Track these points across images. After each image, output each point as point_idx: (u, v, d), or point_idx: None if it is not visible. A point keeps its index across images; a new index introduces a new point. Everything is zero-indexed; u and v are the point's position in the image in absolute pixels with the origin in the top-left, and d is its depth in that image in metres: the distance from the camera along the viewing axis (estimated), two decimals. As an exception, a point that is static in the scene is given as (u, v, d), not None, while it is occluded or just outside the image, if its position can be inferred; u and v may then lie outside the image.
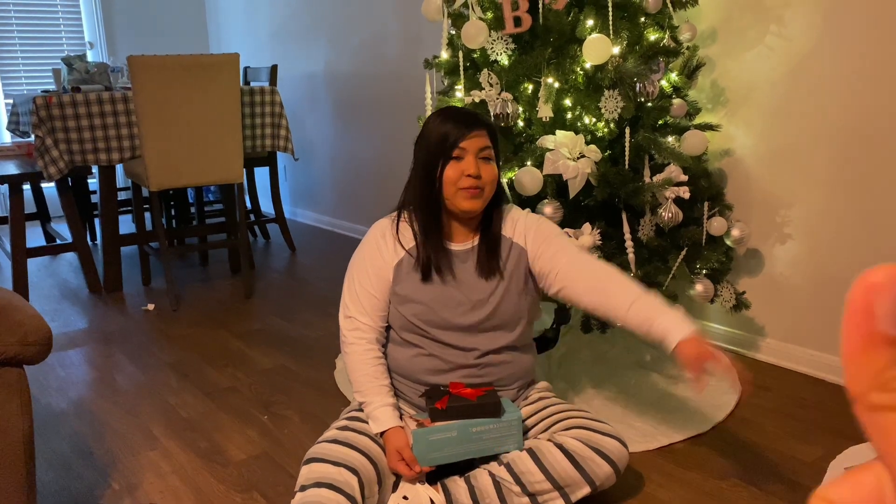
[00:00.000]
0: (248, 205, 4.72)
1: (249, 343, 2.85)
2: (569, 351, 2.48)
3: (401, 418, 1.63)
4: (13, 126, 4.05)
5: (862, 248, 2.21)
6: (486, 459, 1.61)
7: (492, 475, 1.55)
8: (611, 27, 2.07)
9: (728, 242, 2.29)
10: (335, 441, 1.55)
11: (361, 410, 1.65)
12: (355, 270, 1.72)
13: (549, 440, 1.56)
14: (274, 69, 4.21)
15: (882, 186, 2.12)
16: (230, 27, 5.69)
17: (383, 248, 1.68)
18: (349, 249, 4.58)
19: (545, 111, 2.08)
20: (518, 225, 1.70)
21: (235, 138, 3.29)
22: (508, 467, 1.54)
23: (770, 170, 2.39)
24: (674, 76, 2.27)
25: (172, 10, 5.83)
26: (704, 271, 2.25)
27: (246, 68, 4.56)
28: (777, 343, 2.48)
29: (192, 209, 4.58)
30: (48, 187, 4.77)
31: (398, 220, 1.70)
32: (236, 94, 3.24)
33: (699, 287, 2.22)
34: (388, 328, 1.72)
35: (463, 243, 1.68)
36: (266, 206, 5.19)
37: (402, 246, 1.67)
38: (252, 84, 4.54)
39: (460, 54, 2.23)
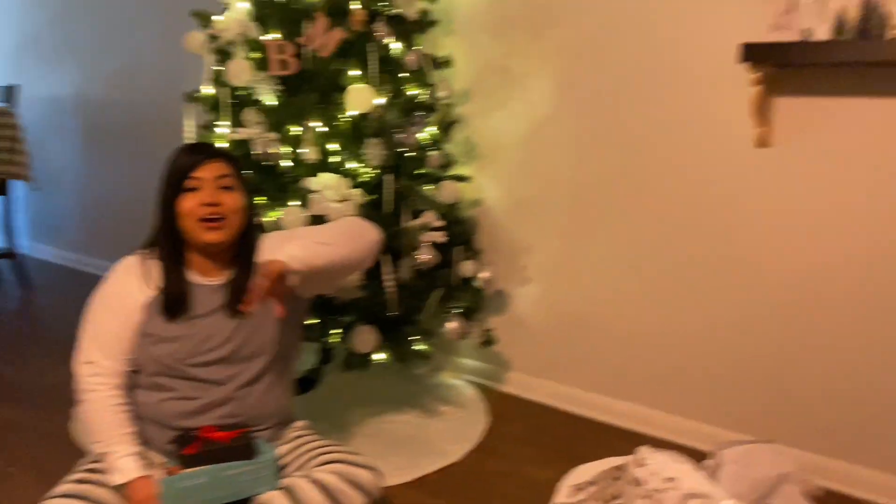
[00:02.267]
0: (-26, 237, 4.17)
1: (-32, 393, 2.51)
2: (331, 391, 2.51)
3: (148, 468, 1.53)
4: None
5: (591, 288, 2.51)
6: (240, 503, 1.57)
7: (244, 519, 1.52)
8: (374, 79, 2.18)
9: (478, 284, 2.48)
10: (67, 496, 1.42)
11: (99, 461, 1.53)
12: (98, 311, 1.61)
13: (304, 477, 1.56)
14: (10, 89, 3.81)
15: (606, 235, 2.44)
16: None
17: (130, 287, 1.60)
18: (90, 287, 4.13)
19: (311, 153, 2.13)
20: (270, 250, 1.71)
21: (-40, 162, 2.92)
22: (262, 509, 1.52)
23: (514, 219, 2.65)
24: (432, 130, 2.44)
25: None
26: (458, 310, 2.42)
27: (-23, 85, 4.08)
28: (522, 376, 2.72)
29: None
30: None
31: (146, 258, 1.63)
32: (-36, 112, 2.89)
33: (452, 325, 2.37)
34: (132, 372, 1.62)
35: (214, 278, 1.64)
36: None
37: (149, 284, 1.60)
38: (-15, 103, 4.06)
39: (225, 91, 2.21)
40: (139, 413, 1.61)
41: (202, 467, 1.50)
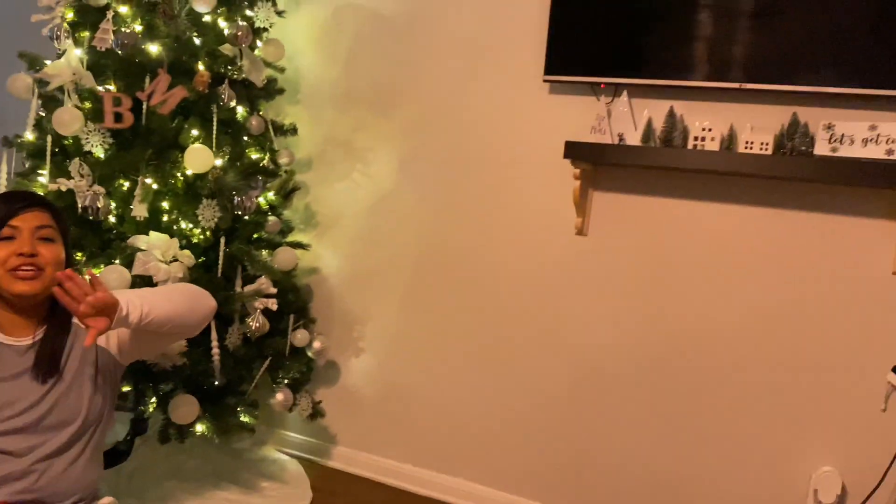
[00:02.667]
0: None
1: None
2: (143, 464, 2.33)
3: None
4: None
5: (419, 361, 2.55)
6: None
7: None
8: (214, 140, 2.15)
9: (309, 354, 2.45)
10: None
11: None
12: None
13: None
14: None
15: (437, 309, 2.52)
16: None
17: None
18: None
19: (140, 210, 2.04)
20: None
21: None
22: None
23: (351, 289, 2.66)
24: (271, 195, 2.42)
25: None
26: (286, 381, 2.36)
27: None
28: (347, 450, 2.68)
29: None
30: None
31: None
32: None
33: (280, 396, 2.31)
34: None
35: (22, 338, 1.51)
36: None
37: None
38: None
39: (48, 138, 2.08)
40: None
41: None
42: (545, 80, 2.19)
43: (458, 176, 2.45)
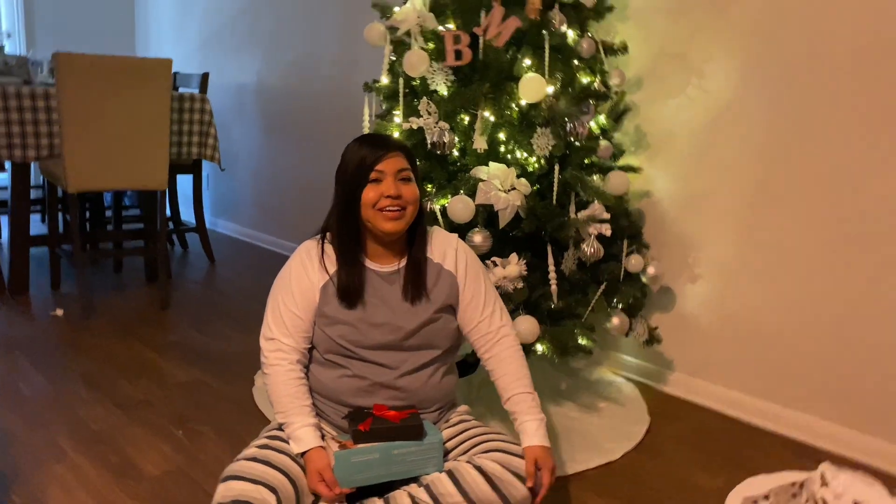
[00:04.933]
0: (168, 212, 4.60)
1: (164, 355, 2.78)
2: (488, 377, 2.53)
3: (322, 439, 1.63)
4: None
5: (763, 290, 2.36)
6: (407, 481, 1.63)
7: (411, 496, 1.57)
8: (546, 68, 2.16)
9: (644, 279, 2.41)
10: (254, 459, 1.54)
11: (282, 430, 1.65)
12: (280, 291, 1.72)
13: (468, 462, 1.59)
14: (205, 77, 4.15)
15: (785, 234, 2.28)
16: (160, 31, 5.56)
17: (310, 270, 1.69)
18: (269, 263, 4.56)
19: (480, 143, 2.15)
20: (451, 252, 1.75)
21: (162, 145, 3.22)
22: (428, 489, 1.57)
23: (685, 213, 2.53)
24: (602, 119, 2.38)
25: (99, 6, 5.65)
26: (621, 305, 2.36)
27: (175, 74, 4.47)
28: (685, 377, 2.61)
29: (108, 213, 4.43)
30: (-49, 180, 4.52)
31: (322, 243, 1.72)
32: (166, 99, 3.18)
33: (616, 320, 2.32)
34: (310, 349, 1.72)
35: (389, 265, 1.71)
36: (186, 215, 5.06)
37: (327, 269, 1.68)
38: (181, 90, 4.45)
39: (400, 81, 2.27)
40: (315, 388, 1.71)
41: (374, 444, 1.57)
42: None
43: (811, 79, 2.15)
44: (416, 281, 1.69)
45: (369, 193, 1.61)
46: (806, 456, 2.19)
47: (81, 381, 2.50)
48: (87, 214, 4.13)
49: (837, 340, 2.21)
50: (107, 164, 3.11)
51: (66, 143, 3.00)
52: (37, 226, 4.58)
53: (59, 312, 3.19)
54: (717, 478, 2.05)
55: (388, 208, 1.60)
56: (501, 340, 1.80)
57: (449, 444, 1.72)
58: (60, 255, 3.47)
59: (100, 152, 3.08)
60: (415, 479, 1.63)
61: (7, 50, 5.22)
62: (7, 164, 3.41)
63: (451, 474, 1.58)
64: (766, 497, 1.75)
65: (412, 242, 1.72)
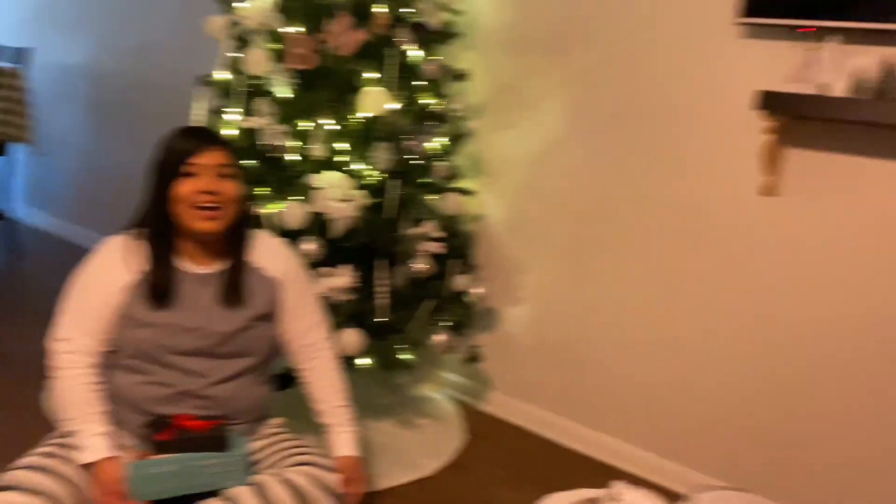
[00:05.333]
0: (-32, 195, 4.13)
1: (-56, 352, 2.48)
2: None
3: (117, 449, 1.50)
4: None
5: (581, 317, 2.50)
6: (206, 495, 1.54)
7: (210, 511, 1.49)
8: (390, 84, 2.17)
9: (470, 299, 2.47)
10: (32, 468, 1.40)
11: (70, 436, 1.51)
12: (79, 288, 1.59)
13: (275, 475, 1.54)
14: (25, 51, 3.79)
15: (603, 264, 2.43)
16: (-23, -6, 5.03)
17: (114, 267, 1.57)
18: (78, 258, 4.09)
19: (319, 150, 2.11)
20: (276, 258, 1.70)
21: (-37, 118, 2.90)
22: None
23: (515, 238, 2.64)
24: (442, 140, 2.43)
25: None
26: (447, 323, 2.40)
27: (-10, 44, 4.05)
28: (502, 396, 2.70)
29: None
30: None
31: (132, 239, 1.60)
32: (-27, 69, 2.87)
33: (440, 338, 2.35)
34: (108, 353, 1.59)
35: (205, 267, 1.62)
36: (-9, 200, 4.56)
37: (134, 266, 1.57)
38: (-5, 62, 4.03)
39: (239, 78, 2.19)
40: (114, 394, 1.58)
41: (173, 455, 1.48)
42: (737, 23, 2.00)
43: (631, 126, 2.32)
44: (234, 285, 1.61)
45: (183, 188, 1.51)
46: (604, 474, 2.33)
47: None
48: None
49: (643, 367, 2.37)
50: None
51: None
52: None
53: None
54: (522, 494, 2.12)
55: (202, 205, 1.52)
56: (321, 353, 1.77)
57: (258, 457, 1.66)
58: None
59: None
60: (215, 493, 1.54)
61: None
62: None
63: (255, 489, 1.52)
64: (564, 513, 1.83)
65: (233, 245, 1.64)
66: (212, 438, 1.52)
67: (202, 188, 1.51)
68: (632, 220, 2.36)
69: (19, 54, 3.78)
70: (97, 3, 4.18)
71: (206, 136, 1.57)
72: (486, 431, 2.53)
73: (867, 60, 1.83)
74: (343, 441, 1.69)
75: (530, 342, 2.63)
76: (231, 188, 1.55)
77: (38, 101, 4.45)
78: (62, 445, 1.49)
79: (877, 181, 1.92)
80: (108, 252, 1.60)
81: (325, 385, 1.75)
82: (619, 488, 1.63)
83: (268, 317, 1.67)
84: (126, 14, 4.01)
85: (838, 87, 1.84)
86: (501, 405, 2.69)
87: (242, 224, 1.64)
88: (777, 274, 2.09)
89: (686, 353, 2.28)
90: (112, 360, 1.59)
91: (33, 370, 2.45)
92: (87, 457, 1.45)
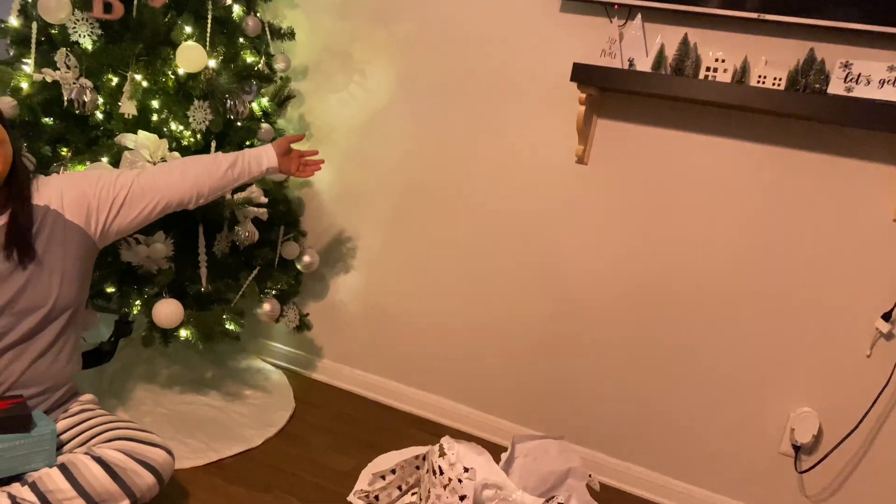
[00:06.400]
0: None
1: None
2: (125, 366, 2.33)
3: None
4: None
5: (407, 283, 2.54)
6: (8, 480, 1.41)
7: (11, 497, 1.37)
8: (208, 39, 2.06)
9: (298, 266, 2.43)
10: None
11: None
12: None
13: (86, 454, 1.44)
14: None
15: (426, 231, 2.49)
16: None
17: None
18: None
19: (128, 108, 1.96)
20: (46, 189, 1.57)
21: None
22: (34, 486, 1.38)
23: (342, 205, 2.62)
24: (265, 101, 2.35)
25: None
26: (273, 292, 2.35)
27: None
28: (331, 363, 2.69)
29: None
30: None
31: None
32: None
33: (267, 306, 2.30)
34: None
35: None
36: None
37: None
38: None
39: (34, 25, 1.98)
40: None
41: (-34, 439, 1.34)
42: (556, -2, 2.10)
43: (455, 96, 2.38)
44: (20, 236, 1.47)
45: None
46: (432, 432, 2.40)
47: None
48: None
49: (463, 327, 2.47)
50: None
51: None
52: None
53: None
54: (352, 458, 2.14)
55: None
56: (162, 165, 1.81)
57: (65, 437, 1.54)
58: None
59: None
60: (18, 478, 1.42)
61: None
62: None
63: (63, 468, 1.42)
64: (393, 471, 1.88)
65: (11, 193, 1.50)
66: (14, 418, 1.39)
67: None
68: (453, 189, 2.42)
69: None
70: None
71: None
72: (314, 399, 2.52)
73: (669, 39, 2.01)
74: (255, 155, 1.92)
75: (357, 309, 2.64)
76: None
77: None
78: None
79: (673, 150, 2.11)
80: None
81: (200, 173, 1.81)
82: (445, 443, 1.69)
83: (61, 261, 1.54)
84: None
85: (643, 63, 2.00)
86: (330, 371, 2.69)
87: (17, 172, 1.50)
88: (575, 232, 2.25)
89: (496, 310, 2.40)
90: None
91: None
92: None
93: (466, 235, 2.42)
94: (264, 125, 2.29)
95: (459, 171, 2.40)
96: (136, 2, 1.97)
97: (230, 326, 2.14)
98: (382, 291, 2.59)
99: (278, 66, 2.35)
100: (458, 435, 2.43)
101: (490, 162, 2.35)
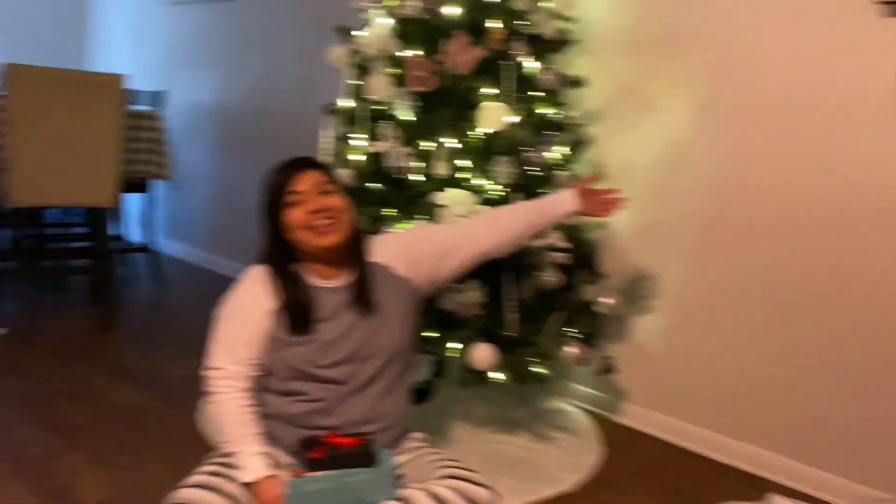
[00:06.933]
0: (116, 230, 4.47)
1: (106, 378, 2.68)
2: (444, 405, 2.51)
3: (274, 468, 1.57)
4: None
5: (718, 322, 2.40)
6: (359, 510, 1.58)
7: (362, 528, 1.53)
8: (508, 98, 2.17)
9: (600, 309, 2.42)
10: (201, 486, 1.48)
11: (229, 457, 1.59)
12: (226, 317, 1.67)
13: (421, 489, 1.56)
14: (160, 94, 4.07)
15: (737, 267, 2.33)
16: (115, 45, 5.46)
17: (259, 294, 1.65)
18: (219, 285, 4.38)
19: (441, 169, 2.14)
20: (382, 246, 1.74)
21: (112, 161, 3.14)
22: (380, 519, 1.53)
23: (641, 244, 2.57)
24: (561, 149, 2.41)
25: (48, 15, 5.52)
26: (577, 335, 2.36)
27: (129, 90, 4.38)
28: (638, 408, 2.62)
29: (52, 230, 4.28)
30: None
31: (266, 270, 1.69)
32: (116, 115, 3.12)
33: (572, 350, 2.32)
34: (260, 375, 1.67)
35: (335, 280, 1.68)
36: (135, 234, 4.92)
37: (275, 293, 1.65)
38: (136, 107, 4.36)
39: (361, 104, 2.26)
40: (267, 414, 1.65)
41: (327, 472, 1.53)
42: (876, 1, 1.87)
43: (761, 123, 2.22)
44: (363, 291, 1.66)
45: (293, 216, 1.59)
46: (755, 487, 2.21)
47: (21, 402, 2.38)
48: (35, 231, 3.99)
49: (784, 372, 2.25)
50: (53, 179, 3.01)
51: (12, 155, 2.90)
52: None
53: (2, 331, 3.05)
54: (669, 509, 2.05)
55: (317, 223, 1.58)
56: (482, 216, 1.92)
57: (403, 471, 1.69)
58: (3, 271, 3.33)
59: (46, 166, 2.98)
60: (366, 508, 1.58)
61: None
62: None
63: (404, 502, 1.54)
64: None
65: (354, 253, 1.69)
66: (362, 454, 1.56)
67: (310, 210, 1.58)
68: (766, 220, 2.25)
69: (155, 97, 4.06)
70: (220, 42, 4.44)
71: (296, 164, 1.64)
72: (624, 444, 2.47)
73: None
74: (553, 200, 1.92)
75: (663, 350, 2.55)
76: (336, 201, 1.61)
77: (173, 139, 4.78)
78: (224, 464, 1.57)
79: None
80: (249, 282, 1.68)
81: (505, 211, 1.90)
82: (776, 500, 1.55)
83: (397, 312, 1.71)
84: (247, 50, 4.24)
85: None
86: (637, 416, 2.62)
87: (357, 233, 1.70)
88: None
89: (829, 356, 2.14)
90: (263, 382, 1.67)
91: (185, 392, 2.61)
92: (248, 476, 1.52)
93: (786, 271, 2.22)
94: (561, 172, 2.35)
95: (777, 200, 2.22)
96: (445, 72, 2.16)
97: (539, 370, 2.20)
98: (689, 331, 2.48)
99: (572, 113, 2.41)
100: (786, 492, 2.21)
101: (813, 190, 2.14)
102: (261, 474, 1.52)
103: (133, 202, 4.96)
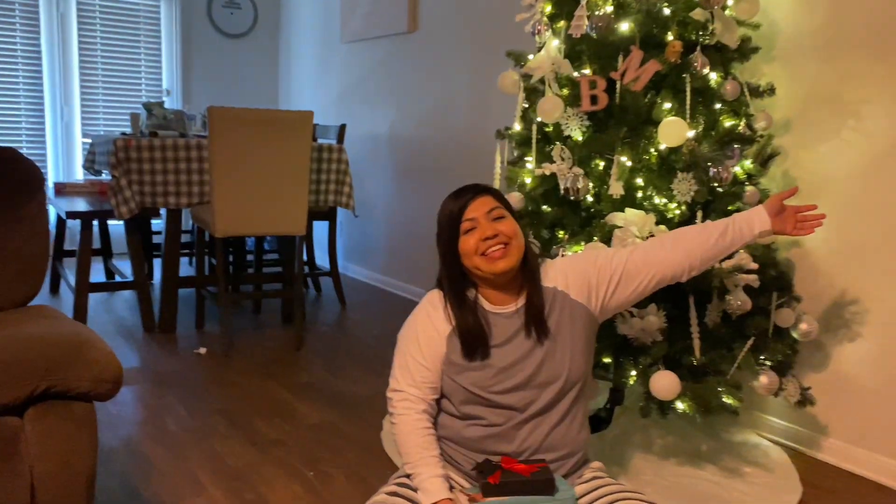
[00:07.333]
0: (304, 257, 4.79)
1: (297, 396, 2.85)
2: (622, 433, 2.42)
3: (451, 490, 1.59)
4: (88, 164, 4.23)
5: (938, 352, 2.12)
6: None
7: (543, 558, 1.50)
8: (688, 111, 2.08)
9: (795, 335, 2.23)
10: (385, 506, 1.52)
11: (410, 479, 1.62)
12: (406, 342, 1.72)
13: (604, 523, 1.50)
14: (342, 128, 4.33)
15: (962, 291, 2.05)
16: (301, 86, 5.90)
17: (435, 320, 1.68)
18: (398, 307, 4.64)
19: (616, 188, 2.09)
20: (552, 271, 1.70)
21: (302, 192, 3.37)
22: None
23: (841, 264, 2.34)
24: (747, 163, 2.26)
25: (247, 64, 6.08)
26: (769, 363, 2.19)
27: (315, 125, 4.70)
28: (841, 444, 2.37)
29: (249, 257, 4.66)
30: (114, 224, 4.93)
31: (445, 293, 1.71)
32: (307, 150, 3.34)
33: (763, 379, 2.15)
34: (439, 399, 1.70)
35: (509, 305, 1.67)
36: (320, 260, 5.25)
37: (451, 318, 1.67)
38: (320, 141, 4.67)
39: (533, 127, 2.26)
40: (445, 435, 1.68)
41: (504, 498, 1.52)
42: None
43: None
44: (536, 316, 1.64)
45: (467, 243, 1.60)
46: None
47: (221, 417, 2.60)
48: (231, 258, 4.37)
49: None
50: (251, 211, 3.28)
51: (215, 190, 3.20)
52: (185, 268, 4.90)
53: (203, 350, 3.36)
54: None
55: (490, 250, 1.58)
56: (653, 240, 1.77)
57: (582, 501, 1.64)
58: (205, 295, 3.67)
59: (245, 199, 3.26)
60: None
61: (167, 105, 5.71)
62: (162, 211, 3.69)
63: (585, 535, 1.50)
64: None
65: (527, 278, 1.68)
66: (540, 481, 1.53)
67: (483, 236, 1.59)
68: None
69: (340, 131, 4.32)
70: (394, 74, 4.65)
71: (467, 191, 1.65)
72: (827, 483, 2.24)
73: None
74: (746, 219, 1.74)
75: (869, 382, 2.29)
76: (507, 226, 1.61)
77: (352, 170, 5.06)
78: (404, 485, 1.60)
79: None
80: (428, 307, 1.71)
81: (691, 232, 1.74)
82: None
83: (571, 338, 1.67)
84: (421, 81, 4.41)
85: None
86: (842, 453, 2.37)
87: (529, 257, 1.68)
88: None
89: None
90: (441, 405, 1.70)
91: (369, 411, 2.72)
92: (427, 498, 1.55)
93: None
94: (749, 188, 2.20)
95: None
96: (618, 89, 2.10)
97: (727, 400, 2.05)
98: (903, 362, 2.21)
99: (759, 125, 2.25)
100: None
101: None
102: (439, 496, 1.54)
103: (319, 230, 5.31)
